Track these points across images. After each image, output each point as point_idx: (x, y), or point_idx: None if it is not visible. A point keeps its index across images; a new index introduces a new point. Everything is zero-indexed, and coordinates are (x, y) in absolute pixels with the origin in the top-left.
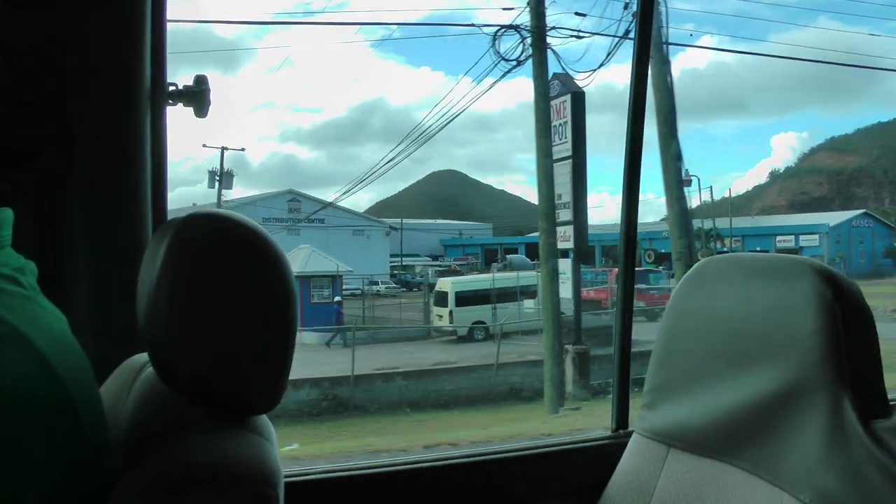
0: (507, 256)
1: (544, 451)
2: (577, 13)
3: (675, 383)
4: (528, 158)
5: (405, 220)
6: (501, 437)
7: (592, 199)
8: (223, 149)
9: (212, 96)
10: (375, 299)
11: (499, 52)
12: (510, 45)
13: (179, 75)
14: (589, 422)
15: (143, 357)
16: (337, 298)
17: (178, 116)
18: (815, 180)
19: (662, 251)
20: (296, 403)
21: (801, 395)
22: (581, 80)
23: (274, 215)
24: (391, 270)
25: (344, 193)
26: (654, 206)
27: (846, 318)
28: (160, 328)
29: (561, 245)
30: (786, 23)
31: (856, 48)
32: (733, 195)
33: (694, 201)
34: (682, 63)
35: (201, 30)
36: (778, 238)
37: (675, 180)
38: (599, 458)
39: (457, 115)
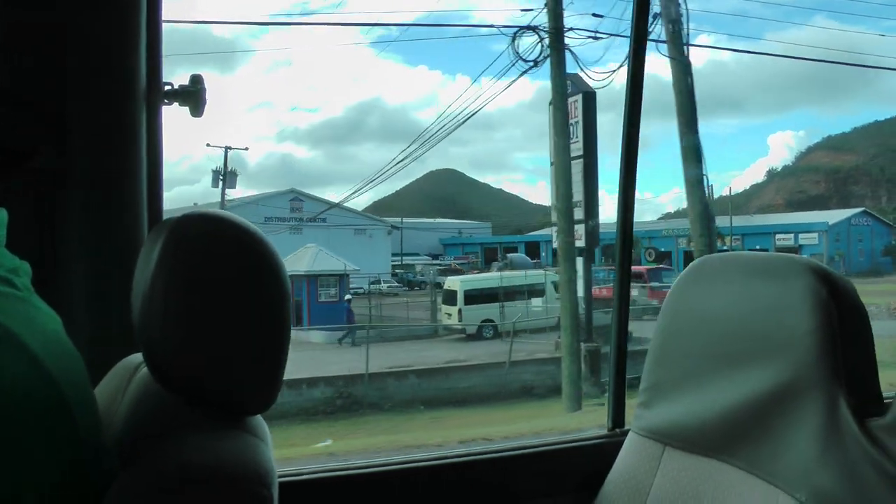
0: (508, 255)
1: (540, 450)
2: (594, 14)
3: (671, 382)
4: (526, 157)
5: (405, 220)
6: (528, 433)
7: None
8: (227, 148)
9: (210, 96)
10: (381, 298)
11: (518, 53)
12: (521, 46)
13: (177, 74)
14: None
15: (138, 357)
16: (348, 297)
17: (175, 116)
18: (812, 179)
19: (662, 249)
20: (311, 401)
21: (796, 394)
22: (599, 80)
23: (276, 214)
24: (392, 269)
25: (353, 193)
26: (651, 204)
27: (841, 316)
28: (155, 328)
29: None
30: (782, 21)
31: (853, 47)
32: (731, 194)
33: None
34: None
35: (199, 29)
36: (777, 236)
37: (697, 180)
38: (595, 457)
39: (473, 114)
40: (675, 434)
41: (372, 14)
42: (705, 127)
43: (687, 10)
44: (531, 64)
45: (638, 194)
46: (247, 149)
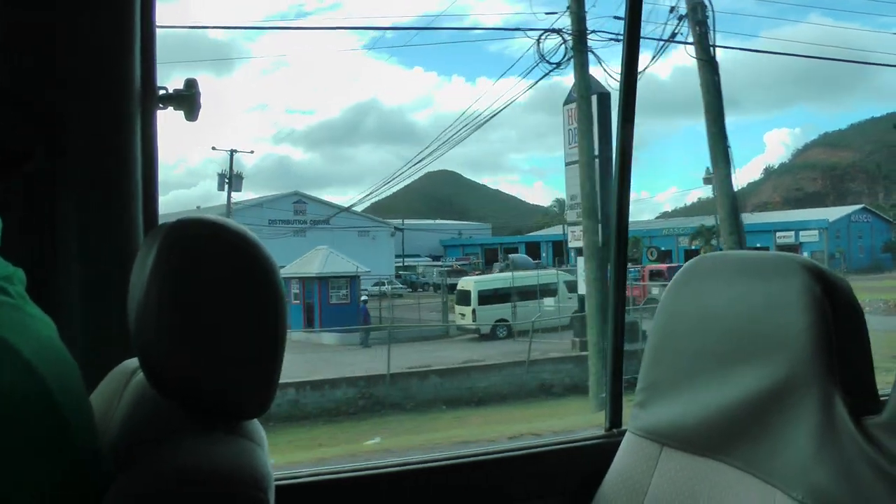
0: (509, 256)
1: (537, 451)
2: (615, 17)
3: (667, 382)
4: (522, 158)
5: (405, 221)
6: (561, 430)
7: None
8: (232, 151)
9: (206, 99)
10: (389, 300)
11: (542, 55)
12: (516, 47)
13: (173, 78)
14: None
15: (134, 362)
16: (364, 298)
17: (171, 120)
18: (809, 176)
19: (663, 248)
20: (333, 402)
21: (792, 393)
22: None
23: (280, 217)
24: (396, 271)
25: (367, 195)
26: (648, 203)
27: (836, 314)
28: (150, 332)
29: (573, 244)
30: (776, 18)
31: (848, 44)
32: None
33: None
34: (675, 60)
35: (195, 32)
36: (778, 234)
37: (726, 176)
38: (592, 458)
39: (496, 113)
40: (672, 434)
41: (369, 17)
42: (701, 125)
43: (713, 12)
44: (554, 66)
45: (634, 193)
46: (252, 152)
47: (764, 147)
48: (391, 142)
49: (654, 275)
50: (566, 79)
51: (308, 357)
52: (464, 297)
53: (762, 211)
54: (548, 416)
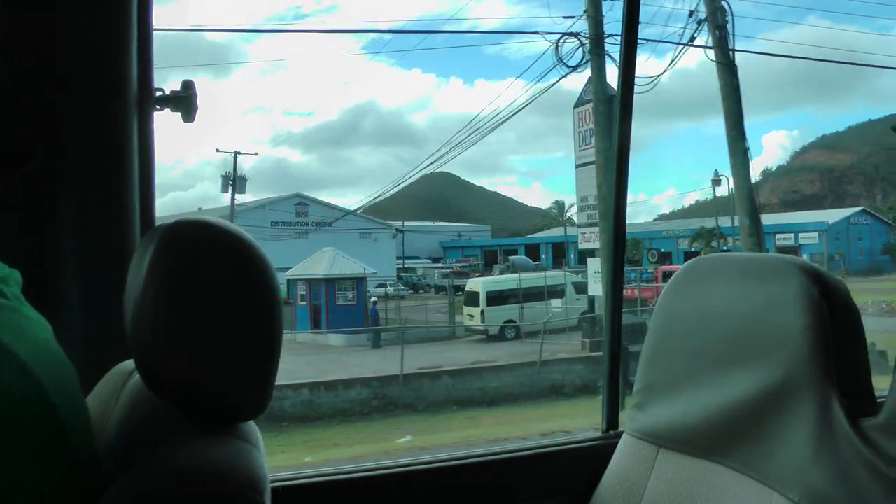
0: (509, 258)
1: (534, 453)
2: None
3: (664, 383)
4: (520, 160)
5: (405, 223)
6: (574, 430)
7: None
8: (236, 153)
9: (203, 101)
10: (399, 301)
11: (560, 58)
12: (518, 49)
13: (171, 80)
14: None
15: (131, 363)
16: (374, 300)
17: (168, 121)
18: (807, 178)
19: (663, 250)
20: (347, 402)
21: (789, 394)
22: (640, 85)
23: (282, 219)
24: (398, 273)
25: (376, 198)
26: (646, 206)
27: (833, 316)
28: (146, 333)
29: (583, 245)
30: (775, 21)
31: (846, 46)
32: (727, 195)
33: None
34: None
35: (193, 34)
36: (777, 236)
37: (744, 178)
38: (590, 459)
39: (514, 114)
40: (669, 435)
41: (367, 20)
42: (699, 127)
43: (732, 16)
44: (571, 69)
45: (632, 195)
46: (256, 154)
47: (762, 149)
48: (389, 144)
49: (668, 276)
50: (566, 82)
51: (313, 358)
52: (472, 299)
53: (760, 213)
54: (560, 417)
